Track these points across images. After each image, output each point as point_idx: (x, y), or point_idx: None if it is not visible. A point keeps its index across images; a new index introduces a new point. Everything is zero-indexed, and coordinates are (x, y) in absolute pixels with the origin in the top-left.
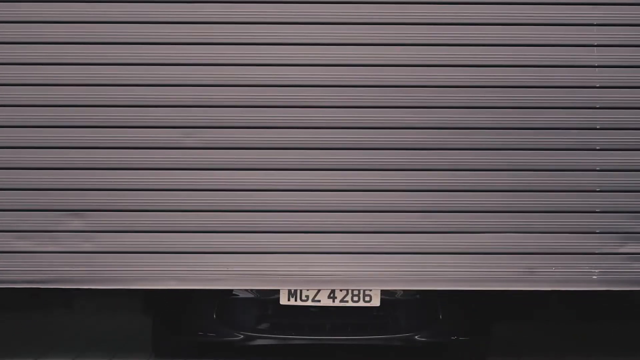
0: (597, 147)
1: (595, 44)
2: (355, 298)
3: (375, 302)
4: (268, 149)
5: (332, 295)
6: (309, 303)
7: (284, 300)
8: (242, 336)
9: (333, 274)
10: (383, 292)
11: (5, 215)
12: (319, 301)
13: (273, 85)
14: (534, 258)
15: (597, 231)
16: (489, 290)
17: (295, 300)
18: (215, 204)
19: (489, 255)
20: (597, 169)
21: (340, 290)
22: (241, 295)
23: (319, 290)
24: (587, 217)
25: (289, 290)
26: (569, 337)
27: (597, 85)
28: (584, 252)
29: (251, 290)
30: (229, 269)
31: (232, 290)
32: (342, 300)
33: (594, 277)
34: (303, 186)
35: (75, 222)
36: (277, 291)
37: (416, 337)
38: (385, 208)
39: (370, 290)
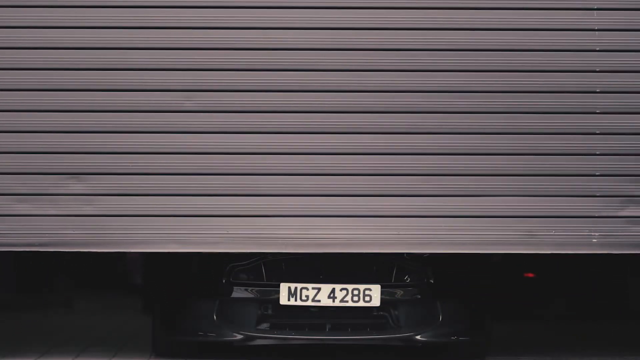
0: (597, 111)
1: (595, 7)
2: (355, 298)
3: (375, 302)
4: (269, 112)
5: (332, 295)
6: (309, 303)
7: (284, 300)
8: (242, 336)
9: (334, 237)
10: (383, 292)
11: (5, 178)
12: (319, 301)
13: (273, 48)
14: (533, 221)
15: (597, 194)
16: (488, 253)
17: (295, 300)
18: (216, 167)
19: (488, 218)
20: (597, 132)
21: (341, 289)
22: (241, 295)
23: (318, 290)
24: (587, 180)
25: (289, 290)
26: (569, 336)
27: (597, 49)
28: (583, 215)
29: (251, 290)
30: (229, 232)
31: (232, 290)
32: (342, 300)
33: (594, 240)
34: (304, 149)
35: (76, 185)
36: (277, 291)
37: (416, 337)
38: (385, 171)
39: (371, 290)
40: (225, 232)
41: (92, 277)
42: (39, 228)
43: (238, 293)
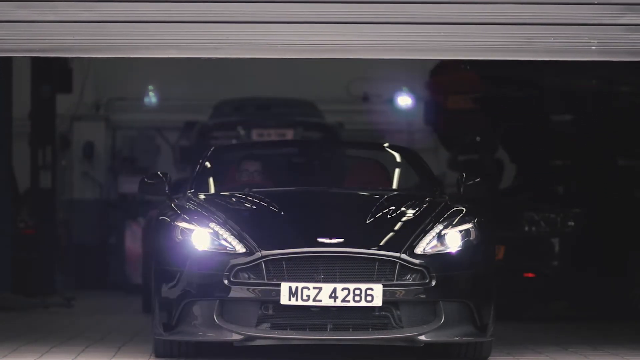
0: None
1: None
2: (357, 298)
3: (377, 301)
4: None
5: (333, 294)
6: (310, 303)
7: (284, 300)
8: (242, 336)
9: (333, 43)
10: (385, 291)
11: None
12: (320, 301)
13: None
14: (533, 28)
15: (596, 2)
16: (487, 60)
17: (296, 299)
18: None
19: (488, 25)
20: None
21: (342, 289)
22: (242, 294)
23: (320, 290)
24: None
25: (290, 290)
26: (569, 336)
27: None
28: (582, 22)
29: (251, 289)
30: (228, 39)
31: (232, 289)
32: (343, 300)
33: (593, 47)
34: None
35: None
36: (278, 291)
37: (419, 337)
38: None
39: (372, 289)
40: (225, 39)
41: (92, 277)
42: (39, 34)
43: (238, 293)
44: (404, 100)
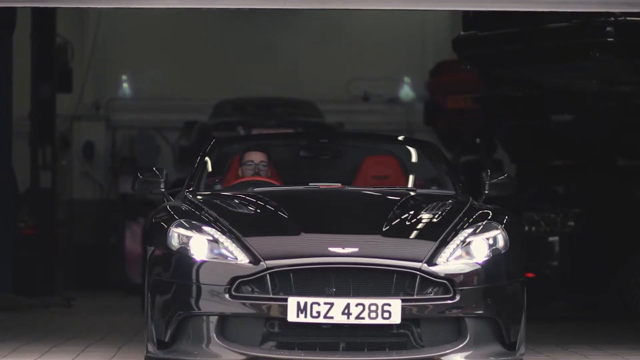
0: None
1: None
2: (373, 314)
3: (395, 318)
4: None
5: (346, 311)
6: (321, 320)
7: (292, 317)
8: (244, 356)
9: None
10: (404, 307)
11: None
12: (332, 318)
13: None
14: None
15: None
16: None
17: (305, 316)
18: None
19: None
20: None
21: (356, 305)
22: (244, 310)
23: (331, 306)
24: None
25: (298, 305)
26: (569, 336)
27: None
28: None
29: (255, 305)
30: None
31: (233, 304)
32: (357, 317)
33: None
34: None
35: None
36: (285, 306)
37: (441, 357)
38: None
39: (390, 305)
40: None
41: (92, 277)
42: None
43: (240, 308)
44: (406, 94)
